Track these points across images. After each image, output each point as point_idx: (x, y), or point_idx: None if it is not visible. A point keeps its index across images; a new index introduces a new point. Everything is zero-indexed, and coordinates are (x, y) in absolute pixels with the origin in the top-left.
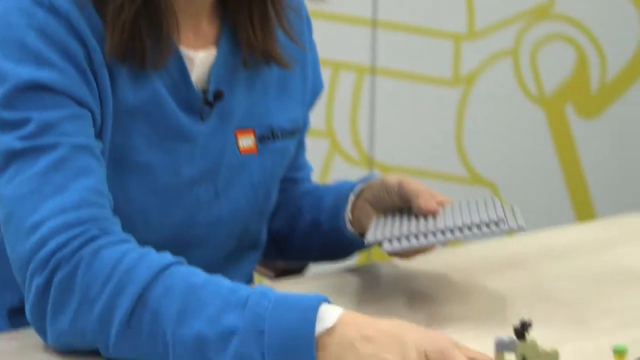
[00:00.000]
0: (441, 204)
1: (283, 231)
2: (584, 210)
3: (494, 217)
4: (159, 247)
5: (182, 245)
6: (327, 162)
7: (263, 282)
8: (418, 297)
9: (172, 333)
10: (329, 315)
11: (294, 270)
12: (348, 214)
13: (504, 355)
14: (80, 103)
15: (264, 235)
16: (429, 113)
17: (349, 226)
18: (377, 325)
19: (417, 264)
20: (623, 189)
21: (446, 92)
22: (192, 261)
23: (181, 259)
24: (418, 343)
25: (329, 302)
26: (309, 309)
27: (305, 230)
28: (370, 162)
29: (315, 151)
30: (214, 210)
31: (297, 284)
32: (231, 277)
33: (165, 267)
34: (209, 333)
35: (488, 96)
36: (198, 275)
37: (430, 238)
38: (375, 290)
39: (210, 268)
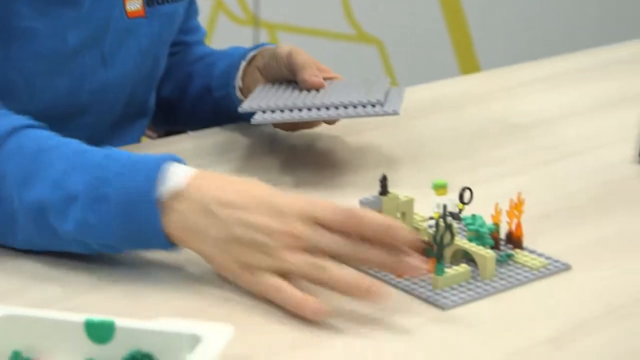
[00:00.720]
0: (329, 79)
1: (173, 97)
2: (468, 65)
3: (372, 99)
4: (44, 117)
5: (67, 113)
6: (211, 22)
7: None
8: (293, 159)
9: (18, 198)
10: (177, 175)
11: (178, 130)
12: (238, 81)
13: None
14: None
15: (152, 102)
16: None
17: (238, 93)
18: (235, 187)
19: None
20: (506, 42)
21: None
22: (78, 129)
23: (41, 124)
24: (292, 205)
25: (182, 162)
26: (152, 169)
27: (195, 97)
28: (256, 21)
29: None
30: (100, 77)
31: (177, 142)
32: (118, 145)
33: (18, 129)
34: (50, 198)
35: None
36: (52, 138)
37: (302, 113)
38: (255, 149)
39: (96, 136)
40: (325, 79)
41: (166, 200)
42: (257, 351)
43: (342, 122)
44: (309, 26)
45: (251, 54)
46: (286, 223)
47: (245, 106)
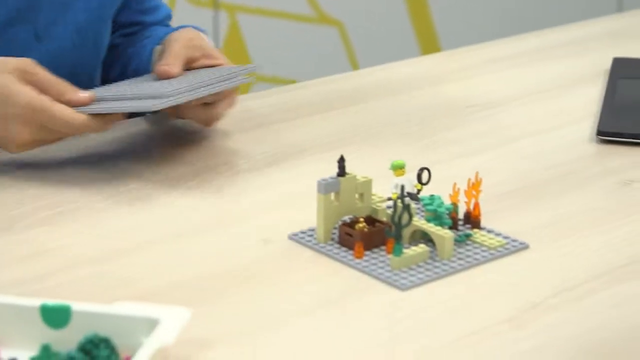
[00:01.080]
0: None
1: (118, 79)
2: (429, 46)
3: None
4: None
5: None
6: (170, 3)
7: None
8: (247, 142)
9: None
10: None
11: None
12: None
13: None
14: None
15: (96, 83)
16: None
17: None
18: None
19: (253, 97)
20: (467, 23)
21: None
22: None
23: None
24: None
25: None
26: None
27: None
28: (215, 3)
29: None
30: (34, 54)
31: (129, 127)
32: None
33: None
34: None
35: None
36: None
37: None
38: (205, 134)
39: None
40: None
41: None
42: (215, 335)
43: (301, 103)
44: (269, 8)
45: (165, 38)
46: None
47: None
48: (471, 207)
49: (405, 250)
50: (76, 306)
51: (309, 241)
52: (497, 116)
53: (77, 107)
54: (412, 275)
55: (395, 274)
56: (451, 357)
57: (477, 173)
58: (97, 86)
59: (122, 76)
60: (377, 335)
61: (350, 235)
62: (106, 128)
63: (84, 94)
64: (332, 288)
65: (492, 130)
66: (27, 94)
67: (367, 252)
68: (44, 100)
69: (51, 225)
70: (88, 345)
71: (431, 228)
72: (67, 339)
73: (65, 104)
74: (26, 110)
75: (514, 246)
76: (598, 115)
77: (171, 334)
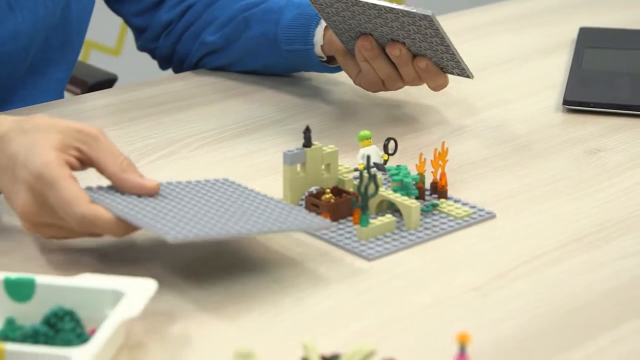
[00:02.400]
0: None
1: (216, 42)
2: None
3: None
4: None
5: None
6: None
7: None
8: (220, 113)
9: None
10: None
11: (103, 84)
12: (319, 38)
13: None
14: None
15: (75, 50)
16: None
17: (318, 50)
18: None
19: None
20: None
21: None
22: None
23: None
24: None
25: None
26: None
27: (252, 44)
28: None
29: None
30: (10, 24)
31: (100, 97)
32: (36, 94)
33: None
34: None
35: None
36: None
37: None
38: (181, 104)
39: (10, 84)
40: None
41: None
42: (181, 309)
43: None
44: None
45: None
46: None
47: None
48: (437, 177)
49: (371, 221)
50: (40, 279)
51: None
52: (465, 86)
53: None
54: (378, 246)
55: (362, 244)
56: (418, 326)
57: (443, 143)
58: (74, 54)
59: (226, 41)
60: (343, 305)
61: (317, 207)
62: (127, 233)
63: (150, 182)
64: (298, 259)
65: (459, 100)
66: (47, 157)
67: (334, 223)
68: (60, 172)
69: None
70: (53, 318)
71: (397, 198)
72: (32, 312)
73: (120, 183)
74: (34, 177)
75: (480, 216)
76: (564, 84)
77: (137, 306)
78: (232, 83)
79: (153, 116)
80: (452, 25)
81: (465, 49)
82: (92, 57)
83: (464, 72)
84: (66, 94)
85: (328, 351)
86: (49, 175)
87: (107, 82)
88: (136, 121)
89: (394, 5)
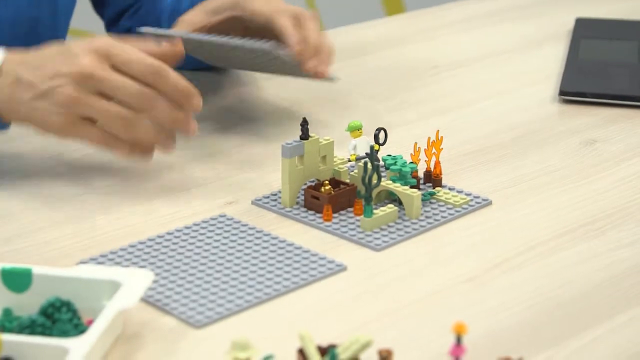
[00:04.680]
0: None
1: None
2: (393, 7)
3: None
4: None
5: None
6: None
7: None
8: (217, 102)
9: None
10: None
11: None
12: None
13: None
14: None
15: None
16: None
17: None
18: (42, 53)
19: None
20: None
21: None
22: None
23: None
24: (84, 46)
25: None
26: None
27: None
28: None
29: None
30: None
31: None
32: None
33: None
34: None
35: None
36: None
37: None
38: None
39: None
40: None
41: None
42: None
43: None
44: None
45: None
46: (76, 64)
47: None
48: (431, 165)
49: (374, 211)
50: (37, 269)
51: (274, 206)
52: (461, 77)
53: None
54: (384, 236)
55: (368, 235)
56: (414, 317)
57: (437, 131)
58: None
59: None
60: (340, 296)
61: (317, 199)
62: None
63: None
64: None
65: (456, 91)
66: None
67: (334, 215)
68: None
69: (13, 190)
70: (50, 308)
71: (398, 188)
72: (29, 303)
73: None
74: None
75: (477, 202)
76: (560, 75)
77: (133, 296)
78: (223, 75)
79: None
80: (449, 16)
81: (461, 40)
82: None
83: (326, 78)
84: None
85: (325, 342)
86: (112, 40)
87: None
88: None
89: (235, 41)
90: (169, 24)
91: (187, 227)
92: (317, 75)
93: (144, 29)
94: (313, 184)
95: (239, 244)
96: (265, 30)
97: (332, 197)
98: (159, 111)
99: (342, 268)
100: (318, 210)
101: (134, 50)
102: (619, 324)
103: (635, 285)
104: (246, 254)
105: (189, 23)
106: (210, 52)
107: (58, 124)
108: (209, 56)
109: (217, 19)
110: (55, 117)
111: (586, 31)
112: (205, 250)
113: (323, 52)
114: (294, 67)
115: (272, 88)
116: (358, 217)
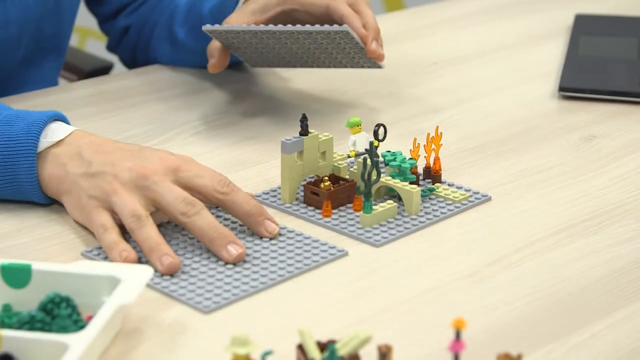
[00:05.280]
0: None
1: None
2: (393, 3)
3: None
4: None
5: None
6: None
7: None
8: (221, 102)
9: None
10: (60, 131)
11: (99, 71)
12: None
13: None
14: None
15: (65, 38)
16: None
17: None
18: (113, 142)
19: None
20: None
21: None
22: None
23: None
24: (160, 155)
25: (66, 121)
26: (36, 122)
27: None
28: None
29: None
30: (0, 12)
31: (100, 84)
32: (30, 83)
33: None
34: None
35: None
36: None
37: (256, 27)
38: (179, 87)
39: (3, 74)
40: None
41: (45, 149)
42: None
43: None
44: None
45: None
46: (141, 165)
47: (209, 27)
48: (431, 161)
49: (373, 207)
50: (37, 265)
51: (274, 202)
52: (461, 73)
53: None
54: (383, 232)
55: (367, 231)
56: (414, 312)
57: (437, 127)
58: (65, 42)
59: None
60: (339, 292)
61: (317, 195)
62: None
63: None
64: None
65: (456, 87)
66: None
67: (334, 211)
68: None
69: None
70: (49, 304)
71: (398, 184)
72: (28, 299)
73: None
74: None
75: (477, 198)
76: (560, 71)
77: (133, 292)
78: (222, 71)
79: (148, 103)
80: (448, 13)
81: (461, 37)
82: (89, 44)
83: (375, 64)
84: (62, 80)
85: (324, 338)
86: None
87: (103, 69)
88: (131, 108)
89: (309, 28)
90: (188, 23)
91: None
92: (378, 58)
93: (206, 27)
94: (312, 180)
95: (242, 232)
96: (320, 20)
97: (332, 193)
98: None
99: (344, 253)
100: (317, 206)
101: (204, 171)
102: (618, 319)
103: (634, 281)
104: (248, 241)
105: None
106: (262, 48)
107: (88, 206)
108: (255, 55)
109: (265, 17)
110: (86, 200)
111: (586, 27)
112: None
113: (380, 37)
114: (357, 54)
115: (272, 84)
116: (357, 213)
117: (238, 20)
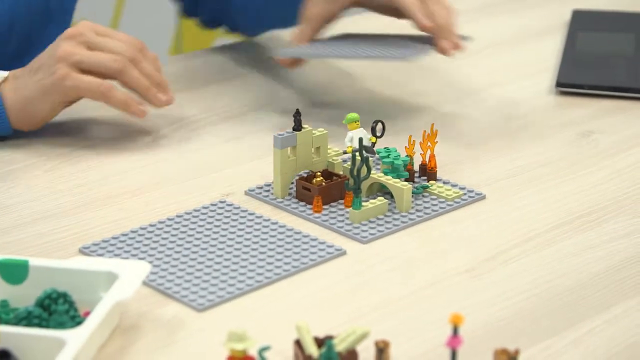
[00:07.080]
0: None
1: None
2: None
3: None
4: None
5: None
6: None
7: None
8: (222, 93)
9: None
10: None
11: None
12: None
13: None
14: None
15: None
16: None
17: None
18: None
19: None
20: None
21: None
22: None
23: None
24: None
25: None
26: None
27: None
28: None
29: None
30: None
31: None
32: None
33: None
34: None
35: None
36: None
37: (327, 51)
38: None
39: None
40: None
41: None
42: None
43: (261, 58)
44: None
45: None
46: (58, 45)
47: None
48: (426, 158)
49: (364, 203)
50: (34, 261)
51: (266, 196)
52: (458, 69)
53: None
54: (372, 228)
55: (356, 227)
56: (411, 308)
57: (432, 125)
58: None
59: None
60: (336, 288)
61: (308, 190)
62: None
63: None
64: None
65: (453, 83)
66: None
67: (325, 206)
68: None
69: (5, 182)
70: (46, 300)
71: (389, 180)
72: (26, 295)
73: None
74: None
75: (471, 197)
76: (558, 67)
77: (130, 288)
78: (220, 67)
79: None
80: None
81: (461, 30)
82: None
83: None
84: None
85: (321, 333)
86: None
87: None
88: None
89: (375, 54)
90: (244, 18)
91: (187, 213)
92: (448, 52)
93: (279, 54)
94: (306, 175)
95: (239, 229)
96: (385, 10)
97: (323, 188)
98: (143, 66)
99: (341, 252)
100: (309, 201)
101: (109, 30)
102: (615, 315)
103: (631, 277)
104: (246, 239)
105: (315, 19)
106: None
107: (61, 75)
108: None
109: (338, 6)
110: (55, 72)
111: (583, 23)
112: (206, 236)
113: (451, 28)
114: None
115: (269, 81)
116: (348, 209)
117: (317, 13)
